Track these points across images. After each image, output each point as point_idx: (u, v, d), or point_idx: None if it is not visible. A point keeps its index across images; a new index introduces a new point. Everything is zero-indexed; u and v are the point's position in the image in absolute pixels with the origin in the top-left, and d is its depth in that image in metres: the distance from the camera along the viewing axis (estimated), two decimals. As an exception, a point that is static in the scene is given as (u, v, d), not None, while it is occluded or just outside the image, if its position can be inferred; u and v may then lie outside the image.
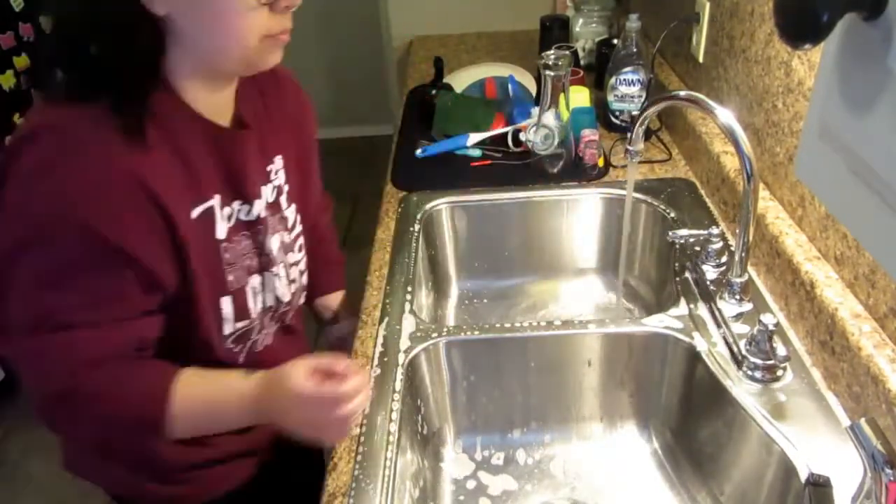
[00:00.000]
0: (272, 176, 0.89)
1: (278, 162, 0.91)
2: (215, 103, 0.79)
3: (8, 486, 2.08)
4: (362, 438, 0.84)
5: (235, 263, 0.83)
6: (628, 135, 0.99)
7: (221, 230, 0.80)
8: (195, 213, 0.76)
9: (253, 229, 0.85)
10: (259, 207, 0.85)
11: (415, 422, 0.97)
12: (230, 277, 0.82)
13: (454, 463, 1.03)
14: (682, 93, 0.94)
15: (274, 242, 0.88)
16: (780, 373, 0.86)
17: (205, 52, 0.73)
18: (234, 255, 0.82)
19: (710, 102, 0.85)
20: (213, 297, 0.81)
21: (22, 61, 2.22)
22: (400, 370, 0.93)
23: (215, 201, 0.79)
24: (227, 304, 0.83)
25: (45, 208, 0.67)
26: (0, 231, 0.69)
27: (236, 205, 0.82)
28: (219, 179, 0.80)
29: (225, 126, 0.82)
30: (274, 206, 0.89)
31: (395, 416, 0.87)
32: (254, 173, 0.85)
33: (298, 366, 0.75)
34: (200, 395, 0.78)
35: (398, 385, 0.91)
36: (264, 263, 0.87)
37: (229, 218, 0.81)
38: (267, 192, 0.87)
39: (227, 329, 0.84)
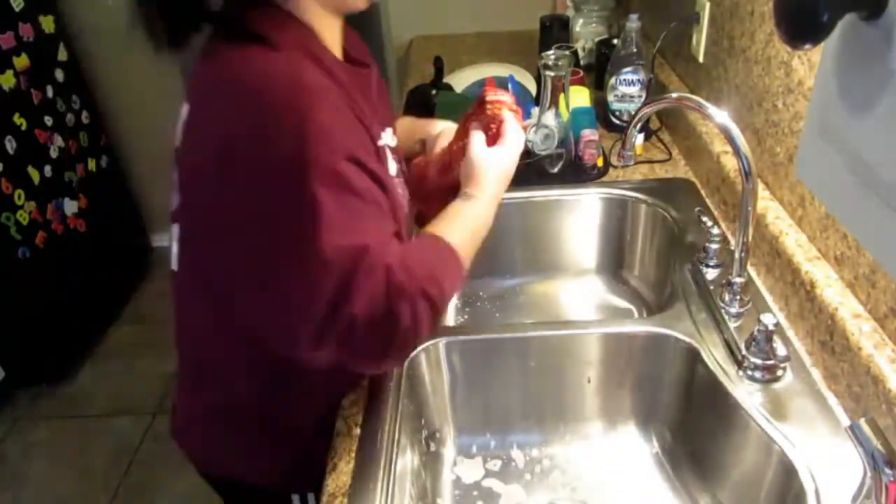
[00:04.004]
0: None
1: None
2: (335, 40, 0.79)
3: (8, 486, 2.09)
4: (362, 439, 0.84)
5: (403, 207, 0.84)
6: (622, 137, 0.99)
7: (393, 167, 0.81)
8: (380, 142, 0.77)
9: (398, 159, 0.86)
10: (393, 137, 0.86)
11: (415, 422, 0.97)
12: (404, 212, 0.85)
13: (454, 463, 1.03)
14: (675, 94, 0.94)
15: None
16: (780, 373, 0.86)
17: None
18: (403, 195, 0.85)
19: (704, 102, 0.86)
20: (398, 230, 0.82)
21: (22, 61, 2.22)
22: (400, 370, 0.93)
23: (386, 136, 0.80)
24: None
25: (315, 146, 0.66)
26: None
27: (385, 132, 0.82)
28: (371, 113, 0.78)
29: (351, 64, 0.82)
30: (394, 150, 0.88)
31: (395, 416, 0.87)
32: (380, 112, 0.85)
33: (475, 145, 0.85)
34: (452, 226, 0.82)
35: (398, 386, 0.91)
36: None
37: (389, 148, 0.82)
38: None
39: None
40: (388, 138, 0.83)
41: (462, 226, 0.83)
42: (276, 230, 0.67)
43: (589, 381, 1.02)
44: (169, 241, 0.85)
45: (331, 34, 0.78)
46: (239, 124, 0.66)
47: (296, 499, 0.96)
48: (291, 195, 0.65)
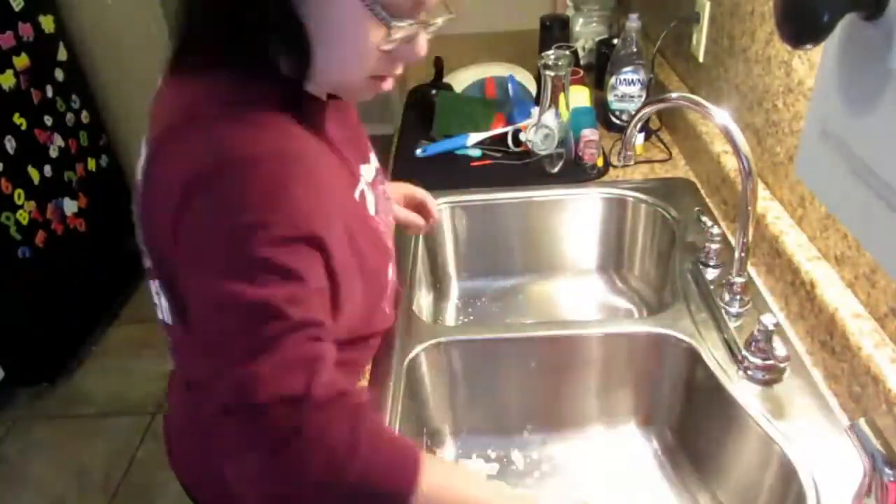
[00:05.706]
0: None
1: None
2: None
3: (8, 485, 2.09)
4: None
5: (386, 231, 0.83)
6: (622, 137, 0.99)
7: (371, 206, 0.78)
8: (359, 187, 0.75)
9: (375, 189, 0.82)
10: (371, 169, 0.82)
11: (414, 422, 0.97)
12: (389, 244, 0.83)
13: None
14: (675, 94, 0.94)
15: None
16: (780, 373, 0.86)
17: (316, 66, 0.67)
18: (383, 221, 0.82)
19: (704, 102, 0.85)
20: (384, 268, 0.82)
21: (22, 61, 2.22)
22: (400, 370, 0.93)
23: (363, 175, 0.76)
24: (391, 270, 0.85)
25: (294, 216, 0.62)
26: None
27: (363, 168, 0.79)
28: (352, 151, 0.77)
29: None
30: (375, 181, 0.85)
31: (394, 416, 0.87)
32: (361, 141, 0.84)
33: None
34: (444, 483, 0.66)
35: (398, 386, 0.91)
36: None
37: (367, 185, 0.78)
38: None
39: (390, 290, 0.86)
40: (367, 174, 0.79)
41: (453, 477, 0.69)
42: (213, 280, 0.60)
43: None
44: (150, 296, 0.79)
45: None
46: (207, 185, 0.61)
47: None
48: (237, 258, 0.59)
